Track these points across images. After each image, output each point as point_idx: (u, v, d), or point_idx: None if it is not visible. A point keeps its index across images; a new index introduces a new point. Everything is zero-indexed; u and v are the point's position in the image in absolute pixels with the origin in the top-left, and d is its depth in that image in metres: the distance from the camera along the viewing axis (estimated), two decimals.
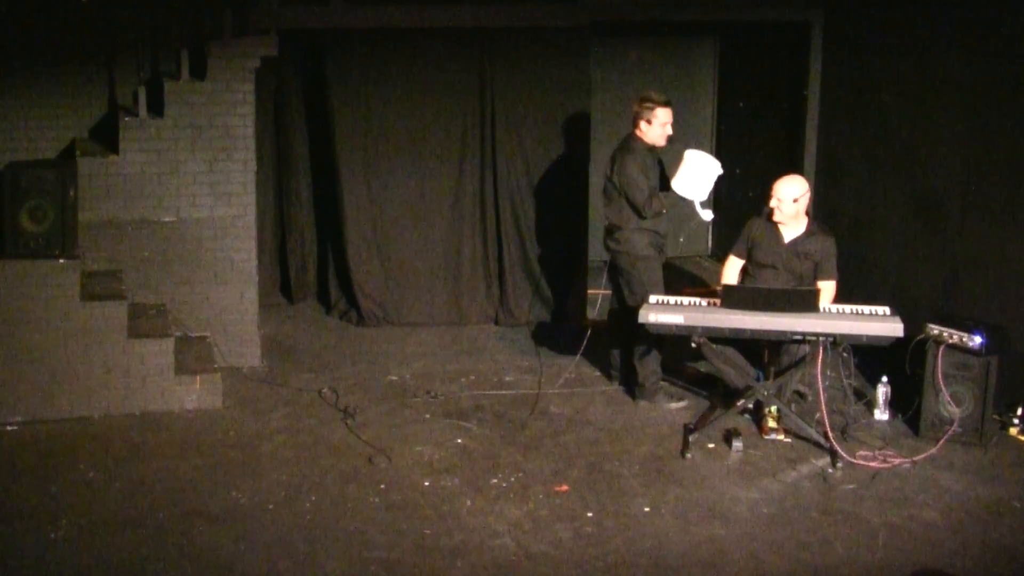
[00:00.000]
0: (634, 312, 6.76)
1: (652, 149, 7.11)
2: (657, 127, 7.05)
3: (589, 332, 7.58)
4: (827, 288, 6.87)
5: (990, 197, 7.07)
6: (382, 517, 5.76)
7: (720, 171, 6.91)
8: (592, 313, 8.60)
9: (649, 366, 7.18)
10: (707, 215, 7.03)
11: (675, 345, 7.15)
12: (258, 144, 7.79)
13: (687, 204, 7.00)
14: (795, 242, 6.93)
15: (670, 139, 7.18)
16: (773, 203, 6.87)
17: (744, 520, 5.78)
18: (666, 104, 7.06)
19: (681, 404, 7.19)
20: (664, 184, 7.12)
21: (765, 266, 6.98)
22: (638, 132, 7.09)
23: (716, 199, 10.42)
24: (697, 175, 6.86)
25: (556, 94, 8.67)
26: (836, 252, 6.97)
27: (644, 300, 6.79)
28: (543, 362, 7.96)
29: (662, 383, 7.28)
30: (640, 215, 7.04)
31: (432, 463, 6.40)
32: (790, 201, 6.84)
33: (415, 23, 8.06)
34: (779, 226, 6.95)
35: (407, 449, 6.57)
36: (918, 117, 7.70)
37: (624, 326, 7.23)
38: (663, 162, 7.25)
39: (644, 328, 6.68)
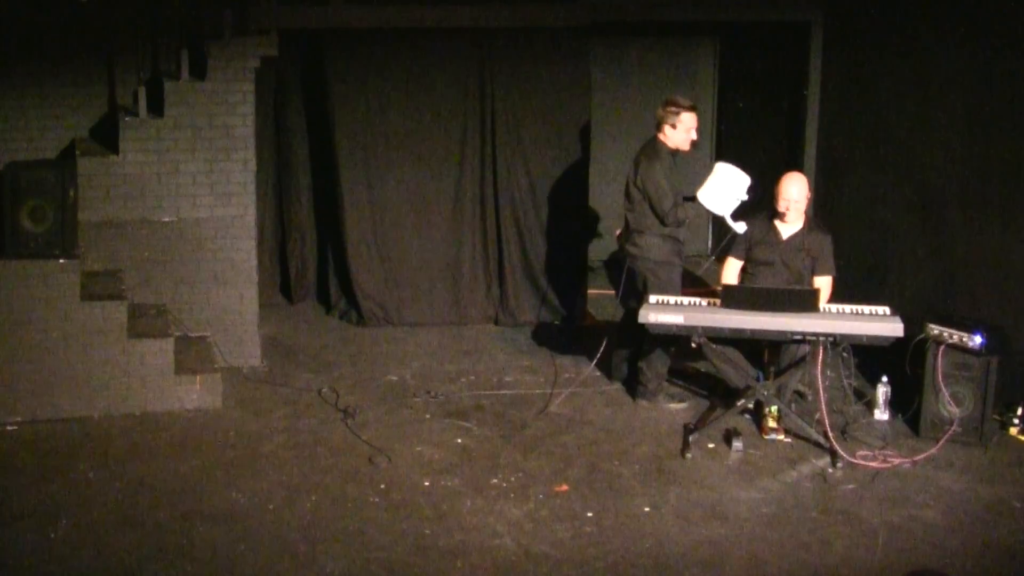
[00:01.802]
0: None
1: (675, 154, 7.08)
2: (682, 132, 7.02)
3: (606, 341, 7.53)
4: (825, 284, 6.89)
5: (990, 197, 7.07)
6: (382, 517, 5.77)
7: (747, 189, 6.81)
8: (597, 314, 8.62)
9: (656, 369, 7.17)
10: (740, 227, 6.92)
11: (675, 345, 7.15)
12: (258, 144, 7.79)
13: (705, 215, 6.94)
14: (793, 238, 6.96)
15: (694, 144, 7.15)
16: (784, 205, 6.87)
17: (744, 520, 5.78)
18: (692, 109, 7.03)
19: (682, 405, 7.19)
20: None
21: (763, 263, 7.00)
22: (662, 136, 7.05)
23: None
24: (726, 189, 6.78)
25: (556, 94, 8.67)
26: (833, 248, 6.99)
27: None
28: (554, 363, 7.97)
29: (663, 383, 7.27)
30: (662, 222, 7.01)
31: (432, 463, 6.40)
32: (803, 200, 6.89)
33: (415, 23, 8.06)
34: (777, 223, 6.96)
35: (407, 449, 6.57)
36: (918, 117, 7.70)
37: (637, 328, 7.25)
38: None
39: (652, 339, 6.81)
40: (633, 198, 7.08)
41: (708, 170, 7.05)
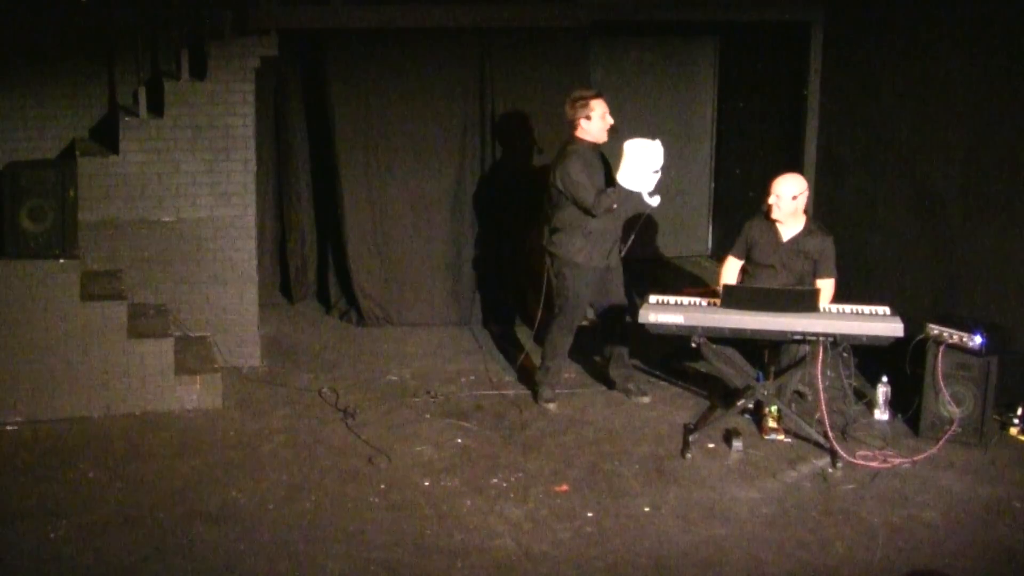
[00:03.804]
0: (552, 311, 7.20)
1: (595, 148, 7.03)
2: (597, 120, 6.96)
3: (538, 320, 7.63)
4: (826, 286, 6.88)
5: (990, 197, 7.07)
6: (382, 517, 5.77)
7: (661, 157, 6.77)
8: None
9: (550, 372, 7.26)
10: (654, 201, 6.87)
11: (675, 345, 7.16)
12: (258, 144, 7.79)
13: (636, 196, 6.90)
14: (793, 241, 6.94)
15: (613, 129, 7.08)
16: (772, 200, 6.88)
17: (744, 520, 5.79)
18: (598, 96, 6.99)
19: (552, 405, 7.21)
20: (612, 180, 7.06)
21: (764, 266, 6.99)
22: (577, 133, 7.00)
23: (715, 199, 10.44)
24: (639, 164, 6.74)
25: (556, 94, 8.63)
26: (835, 250, 6.98)
27: (563, 307, 7.11)
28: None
29: (546, 387, 7.28)
30: (591, 214, 6.96)
31: (432, 463, 6.40)
32: (789, 198, 6.85)
33: (415, 23, 8.05)
34: (777, 225, 6.96)
35: (407, 449, 6.57)
36: (918, 117, 7.70)
37: (608, 327, 7.28)
38: (608, 160, 7.17)
39: (557, 340, 7.12)
40: (555, 199, 7.06)
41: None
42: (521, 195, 8.77)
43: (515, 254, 8.83)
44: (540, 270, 7.47)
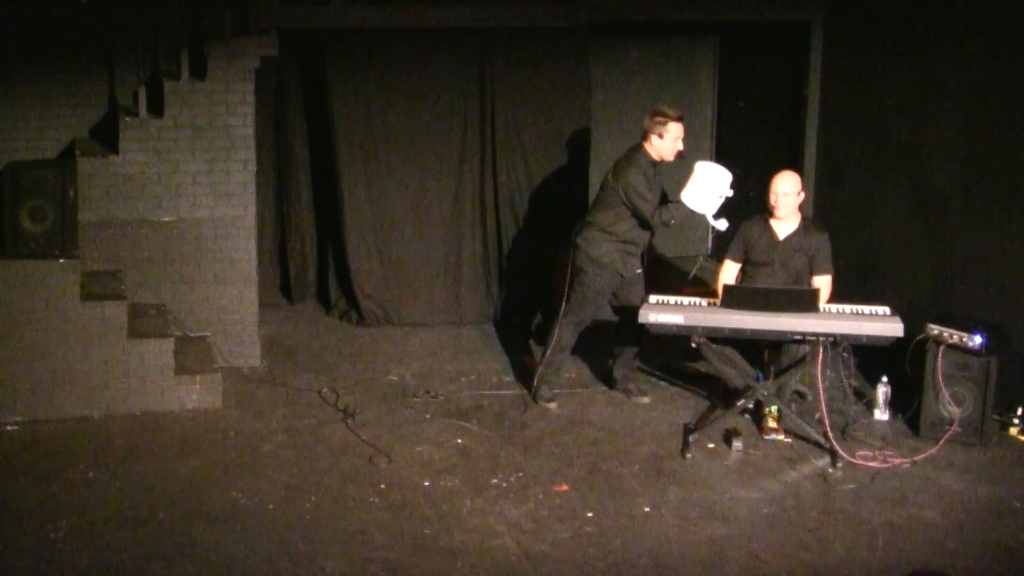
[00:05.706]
0: (558, 309, 7.16)
1: (657, 164, 7.06)
2: (669, 142, 6.99)
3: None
4: (824, 283, 6.89)
5: (990, 197, 7.07)
6: (382, 517, 5.77)
7: (729, 185, 6.80)
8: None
9: (552, 367, 7.25)
10: (721, 224, 6.91)
11: (675, 345, 7.16)
12: (258, 144, 7.79)
13: (696, 216, 6.95)
14: (790, 238, 6.96)
15: (680, 154, 7.12)
16: (774, 199, 6.88)
17: (744, 520, 5.79)
18: (679, 119, 6.99)
19: (553, 404, 7.21)
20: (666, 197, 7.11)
21: (761, 264, 7.00)
22: (647, 145, 7.03)
23: None
24: (707, 188, 6.77)
25: (556, 94, 8.67)
26: (830, 246, 6.99)
27: (578, 303, 7.07)
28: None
29: (545, 385, 7.28)
30: (646, 226, 7.02)
31: (432, 463, 6.40)
32: (794, 195, 6.89)
33: (415, 23, 8.06)
34: (773, 224, 6.97)
35: (407, 449, 6.57)
36: (918, 117, 7.70)
37: (625, 324, 7.25)
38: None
39: (564, 334, 7.08)
40: (606, 199, 7.07)
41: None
42: (521, 194, 8.78)
43: (518, 253, 8.85)
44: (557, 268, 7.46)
